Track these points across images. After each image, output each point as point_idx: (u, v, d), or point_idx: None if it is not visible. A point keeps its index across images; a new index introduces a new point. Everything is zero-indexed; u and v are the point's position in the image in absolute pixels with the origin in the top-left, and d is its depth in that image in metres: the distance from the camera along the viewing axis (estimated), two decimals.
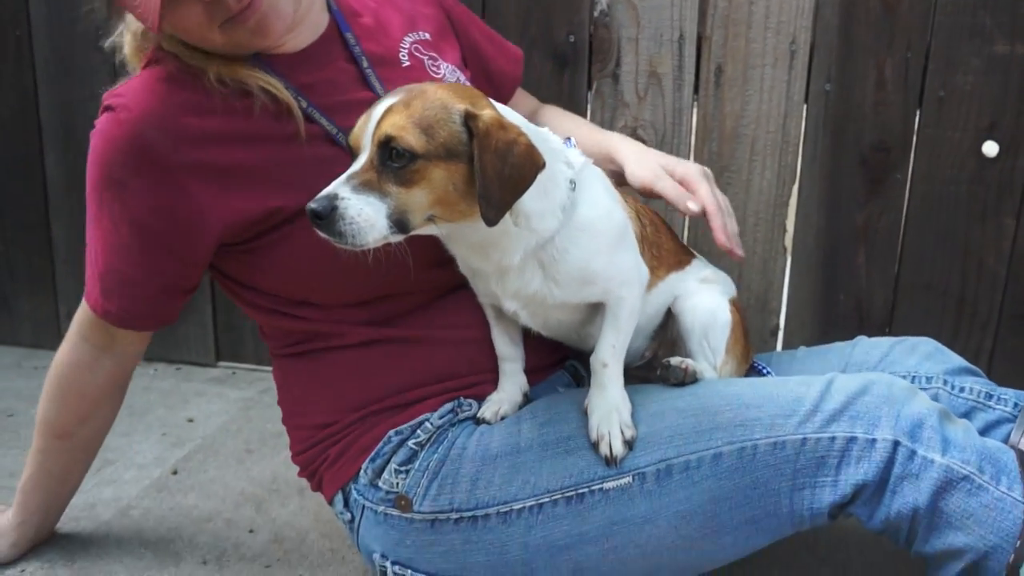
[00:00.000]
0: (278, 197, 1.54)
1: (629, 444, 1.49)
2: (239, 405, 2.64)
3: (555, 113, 2.04)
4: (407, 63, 1.69)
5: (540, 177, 1.34)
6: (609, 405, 1.50)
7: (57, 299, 2.89)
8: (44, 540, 1.94)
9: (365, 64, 1.63)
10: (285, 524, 2.06)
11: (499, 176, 1.29)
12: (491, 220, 1.30)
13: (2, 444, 2.38)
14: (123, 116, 1.51)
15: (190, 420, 2.55)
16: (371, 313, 1.62)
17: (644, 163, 1.74)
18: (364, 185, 1.29)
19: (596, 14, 2.36)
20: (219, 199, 1.54)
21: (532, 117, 1.95)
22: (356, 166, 1.31)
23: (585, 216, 1.45)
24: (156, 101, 1.52)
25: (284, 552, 1.96)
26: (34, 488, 1.86)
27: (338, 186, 1.29)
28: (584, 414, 1.53)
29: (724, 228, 1.67)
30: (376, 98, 1.57)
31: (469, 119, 1.31)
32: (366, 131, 1.32)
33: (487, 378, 1.65)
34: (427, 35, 1.78)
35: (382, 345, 1.62)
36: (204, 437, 2.45)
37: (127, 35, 1.64)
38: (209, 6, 1.45)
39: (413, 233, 1.34)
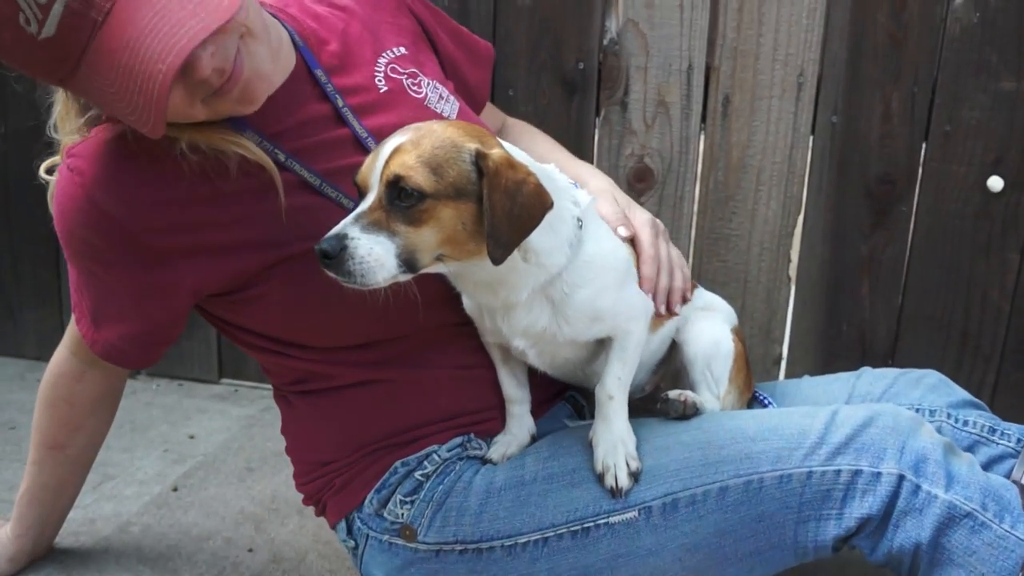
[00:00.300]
0: (255, 252, 1.50)
1: (635, 476, 1.49)
2: (241, 423, 2.64)
3: (527, 133, 1.97)
4: (384, 88, 1.62)
5: (548, 215, 1.34)
6: (614, 437, 1.50)
7: (63, 312, 2.88)
8: (42, 555, 1.94)
9: (340, 103, 1.56)
10: (284, 544, 2.06)
11: (508, 215, 1.29)
12: (497, 259, 1.30)
13: (4, 457, 2.38)
14: (78, 180, 1.47)
15: (192, 437, 2.55)
16: (371, 354, 1.59)
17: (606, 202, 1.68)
18: (373, 224, 1.28)
19: (606, 42, 2.37)
20: (190, 261, 1.50)
21: (500, 132, 1.92)
22: (364, 205, 1.30)
23: (592, 252, 1.46)
24: (111, 170, 1.46)
25: (283, 572, 1.95)
26: (30, 501, 1.86)
27: (347, 226, 1.27)
28: (589, 447, 1.53)
29: (651, 265, 1.61)
30: (353, 135, 1.55)
31: (479, 158, 1.30)
32: (374, 170, 1.31)
33: (494, 414, 1.64)
34: (403, 49, 1.69)
35: (385, 385, 1.60)
36: (205, 454, 2.45)
37: (69, 136, 1.56)
38: (191, 86, 1.37)
39: (421, 272, 1.33)
